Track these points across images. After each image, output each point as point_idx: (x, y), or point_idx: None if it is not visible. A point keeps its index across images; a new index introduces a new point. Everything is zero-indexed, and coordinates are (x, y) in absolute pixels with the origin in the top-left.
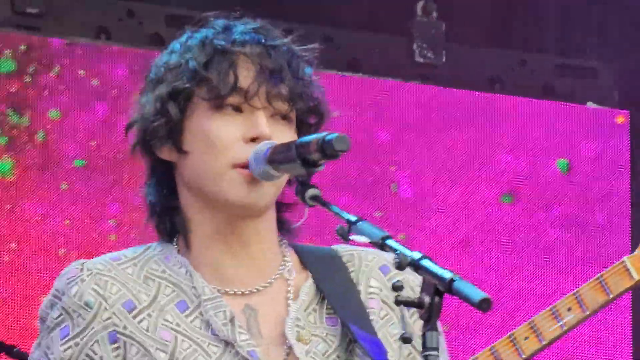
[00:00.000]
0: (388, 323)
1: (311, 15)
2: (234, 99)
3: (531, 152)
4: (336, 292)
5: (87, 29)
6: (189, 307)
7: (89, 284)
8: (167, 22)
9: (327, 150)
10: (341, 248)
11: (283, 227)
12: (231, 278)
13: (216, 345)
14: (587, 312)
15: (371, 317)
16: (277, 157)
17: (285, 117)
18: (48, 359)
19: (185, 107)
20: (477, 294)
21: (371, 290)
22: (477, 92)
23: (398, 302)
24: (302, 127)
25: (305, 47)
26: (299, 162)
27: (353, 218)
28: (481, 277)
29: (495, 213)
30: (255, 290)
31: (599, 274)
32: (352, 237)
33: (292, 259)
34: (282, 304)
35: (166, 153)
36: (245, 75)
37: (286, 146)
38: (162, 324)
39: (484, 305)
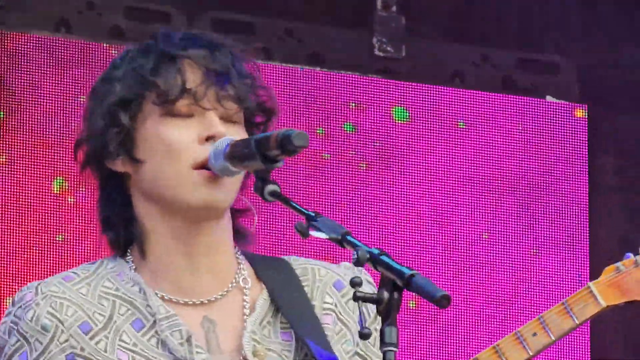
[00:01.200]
0: (342, 339)
1: (272, 8)
2: (183, 102)
3: (490, 146)
4: (291, 305)
5: (47, 21)
6: (145, 326)
7: (44, 307)
8: (126, 14)
9: (287, 146)
10: (294, 260)
11: (238, 234)
12: (190, 287)
13: None
14: (553, 338)
15: (326, 333)
16: (237, 153)
17: (232, 120)
18: None
19: (136, 115)
20: (435, 290)
21: (326, 306)
22: (437, 86)
23: (357, 298)
24: (251, 127)
25: (245, 47)
26: (259, 157)
27: (312, 214)
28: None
29: (449, 205)
30: (213, 299)
31: (564, 300)
32: (312, 232)
33: (246, 267)
34: (238, 316)
35: (120, 165)
36: (193, 79)
37: (246, 142)
38: (119, 345)
39: (443, 301)
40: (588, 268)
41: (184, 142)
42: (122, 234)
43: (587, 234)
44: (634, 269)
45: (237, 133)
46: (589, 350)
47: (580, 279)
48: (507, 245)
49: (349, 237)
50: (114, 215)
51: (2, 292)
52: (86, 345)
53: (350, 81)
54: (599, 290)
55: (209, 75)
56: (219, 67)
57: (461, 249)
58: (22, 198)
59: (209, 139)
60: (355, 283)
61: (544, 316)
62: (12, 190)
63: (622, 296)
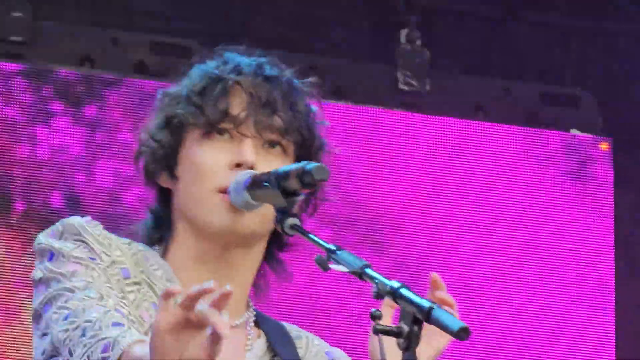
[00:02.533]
0: None
1: (296, 44)
2: (224, 126)
3: (515, 180)
4: (287, 356)
5: (72, 57)
6: None
7: (100, 231)
8: (152, 49)
9: (306, 180)
10: (289, 326)
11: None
12: None
13: None
14: None
15: None
16: (257, 186)
17: (274, 146)
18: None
19: (180, 134)
20: (455, 323)
21: None
22: (461, 120)
23: (377, 331)
24: (300, 160)
25: (307, 80)
26: (278, 191)
27: (332, 247)
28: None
29: (476, 242)
30: None
31: None
32: (332, 266)
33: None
34: (240, 350)
35: (163, 180)
36: (238, 103)
37: (266, 175)
38: (144, 306)
39: (462, 334)
40: (613, 303)
41: (213, 165)
42: (159, 233)
43: (613, 267)
44: None
45: (275, 162)
46: (614, 352)
47: (605, 318)
48: (527, 278)
49: (368, 271)
50: (156, 216)
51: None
52: (123, 287)
53: (374, 114)
54: None
55: (254, 102)
56: (266, 96)
57: (477, 287)
58: None
59: (238, 165)
60: (375, 316)
61: None
62: None
63: None
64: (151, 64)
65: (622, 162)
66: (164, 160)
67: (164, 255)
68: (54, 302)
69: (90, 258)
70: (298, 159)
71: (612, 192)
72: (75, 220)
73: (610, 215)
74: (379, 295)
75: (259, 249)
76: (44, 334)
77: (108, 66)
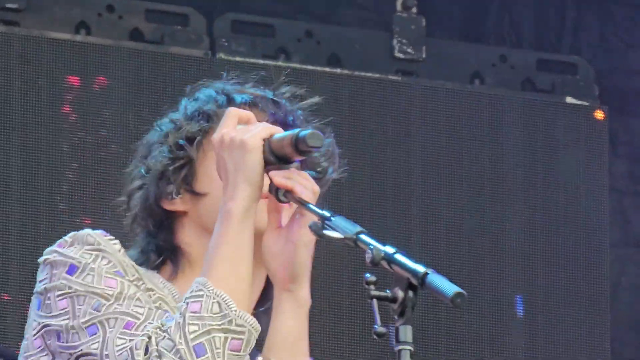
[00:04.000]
0: None
1: (291, 10)
2: None
3: (510, 147)
4: None
5: (67, 24)
6: None
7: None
8: (147, 17)
9: (301, 147)
10: None
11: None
12: None
13: None
14: None
15: None
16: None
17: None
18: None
19: (198, 150)
20: (450, 288)
21: None
22: (457, 87)
23: (371, 297)
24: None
25: (304, 102)
26: (273, 158)
27: (327, 213)
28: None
29: (471, 208)
30: None
31: None
32: (326, 232)
33: None
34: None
35: (179, 204)
36: (257, 118)
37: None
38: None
39: (457, 299)
40: (608, 269)
41: None
42: (164, 257)
43: (607, 234)
44: None
45: None
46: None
47: (600, 282)
48: (524, 243)
49: (362, 237)
50: (161, 242)
51: None
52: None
53: (370, 82)
54: None
55: (275, 119)
56: (284, 118)
57: (473, 246)
58: None
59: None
60: (369, 282)
61: None
62: None
63: None
64: (146, 31)
65: (617, 130)
66: (185, 178)
67: (170, 279)
68: (108, 325)
69: (117, 272)
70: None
71: (607, 160)
72: (88, 232)
73: (605, 184)
74: (374, 261)
75: None
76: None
77: (103, 34)
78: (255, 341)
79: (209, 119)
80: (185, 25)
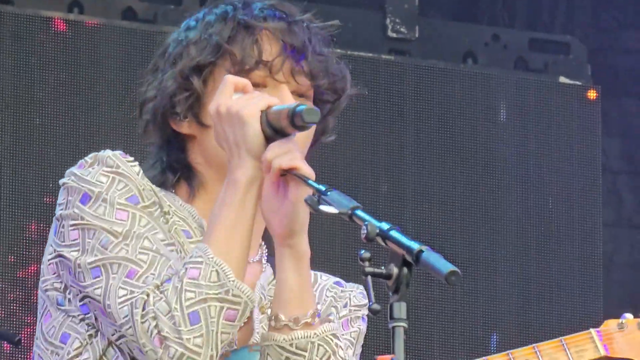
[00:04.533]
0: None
1: None
2: (258, 73)
3: (503, 126)
4: None
5: (60, 3)
6: (193, 238)
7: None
8: None
9: (297, 122)
10: None
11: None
12: None
13: None
14: None
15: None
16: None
17: (303, 95)
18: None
19: (207, 81)
20: (445, 266)
21: (324, 298)
22: (450, 67)
23: (366, 274)
24: (321, 105)
25: (323, 24)
26: (269, 130)
27: (323, 187)
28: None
29: (464, 187)
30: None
31: (561, 337)
32: (321, 207)
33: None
34: (255, 274)
35: (185, 127)
36: (269, 50)
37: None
38: (175, 231)
39: (452, 277)
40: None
41: None
42: (179, 176)
43: (600, 214)
44: (637, 330)
45: None
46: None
47: (594, 261)
48: (517, 222)
49: (358, 212)
50: (173, 161)
51: None
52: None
53: (363, 61)
54: (602, 340)
55: (286, 48)
56: (296, 42)
57: (466, 225)
58: None
59: None
60: (364, 258)
61: (538, 346)
62: None
63: (621, 352)
64: (139, 10)
65: (610, 110)
66: (191, 107)
67: (189, 200)
68: (111, 270)
69: (131, 199)
70: (318, 103)
71: (600, 139)
72: (109, 153)
73: (598, 163)
74: (369, 236)
75: None
76: (86, 296)
77: (96, 12)
78: (250, 312)
79: (220, 49)
80: (178, 4)
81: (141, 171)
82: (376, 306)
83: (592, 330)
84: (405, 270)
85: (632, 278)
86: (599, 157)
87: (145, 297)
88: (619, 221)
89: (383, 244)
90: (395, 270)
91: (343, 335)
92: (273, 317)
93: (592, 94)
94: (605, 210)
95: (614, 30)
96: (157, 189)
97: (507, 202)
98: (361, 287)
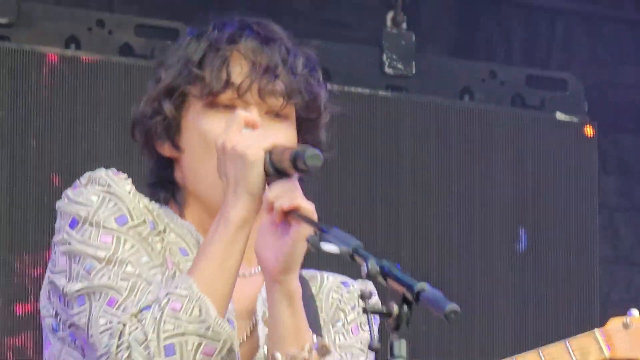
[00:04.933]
0: (335, 318)
1: (282, 25)
2: (226, 96)
3: (500, 163)
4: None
5: (57, 38)
6: (190, 255)
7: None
8: (137, 32)
9: (299, 165)
10: (305, 270)
11: None
12: None
13: None
14: None
15: (321, 316)
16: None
17: (279, 115)
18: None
19: (182, 104)
20: (445, 305)
21: (331, 300)
22: (447, 103)
23: (366, 311)
24: (302, 123)
25: (304, 44)
26: (272, 169)
27: (324, 227)
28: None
29: (460, 224)
30: (240, 275)
31: (566, 339)
32: (323, 246)
33: None
34: (256, 287)
35: (167, 150)
36: (239, 72)
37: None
38: (171, 251)
39: (451, 316)
40: (598, 285)
41: (219, 137)
42: (169, 194)
43: (597, 250)
44: None
45: (280, 130)
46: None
47: (590, 298)
48: (514, 259)
49: (359, 251)
50: (162, 179)
51: None
52: (151, 240)
53: (360, 98)
54: (605, 340)
55: (256, 69)
56: (267, 62)
57: (463, 261)
58: None
59: None
60: (364, 295)
61: (543, 350)
62: None
63: (624, 352)
64: (136, 45)
65: (607, 146)
66: (167, 130)
67: (182, 216)
68: (94, 299)
69: (118, 219)
70: (300, 122)
71: (597, 176)
72: (102, 172)
73: (595, 200)
74: (370, 275)
75: None
76: (73, 324)
77: (93, 48)
78: (229, 350)
79: (190, 73)
80: (175, 39)
81: (133, 188)
82: (377, 344)
83: (595, 330)
84: (405, 308)
85: None
86: (596, 194)
87: (122, 327)
88: (616, 258)
89: (383, 281)
90: (395, 308)
91: (353, 345)
92: (270, 357)
93: (589, 130)
94: (602, 247)
95: (611, 66)
96: (155, 206)
97: (503, 238)
98: (370, 283)
